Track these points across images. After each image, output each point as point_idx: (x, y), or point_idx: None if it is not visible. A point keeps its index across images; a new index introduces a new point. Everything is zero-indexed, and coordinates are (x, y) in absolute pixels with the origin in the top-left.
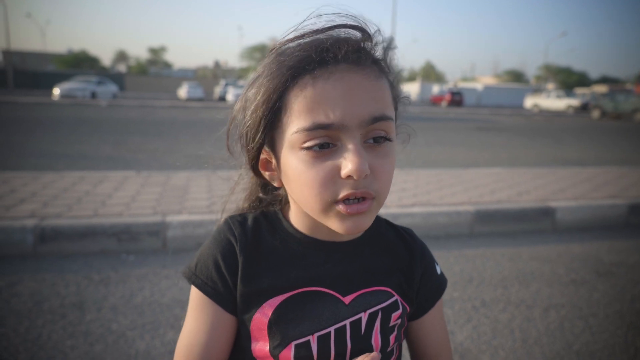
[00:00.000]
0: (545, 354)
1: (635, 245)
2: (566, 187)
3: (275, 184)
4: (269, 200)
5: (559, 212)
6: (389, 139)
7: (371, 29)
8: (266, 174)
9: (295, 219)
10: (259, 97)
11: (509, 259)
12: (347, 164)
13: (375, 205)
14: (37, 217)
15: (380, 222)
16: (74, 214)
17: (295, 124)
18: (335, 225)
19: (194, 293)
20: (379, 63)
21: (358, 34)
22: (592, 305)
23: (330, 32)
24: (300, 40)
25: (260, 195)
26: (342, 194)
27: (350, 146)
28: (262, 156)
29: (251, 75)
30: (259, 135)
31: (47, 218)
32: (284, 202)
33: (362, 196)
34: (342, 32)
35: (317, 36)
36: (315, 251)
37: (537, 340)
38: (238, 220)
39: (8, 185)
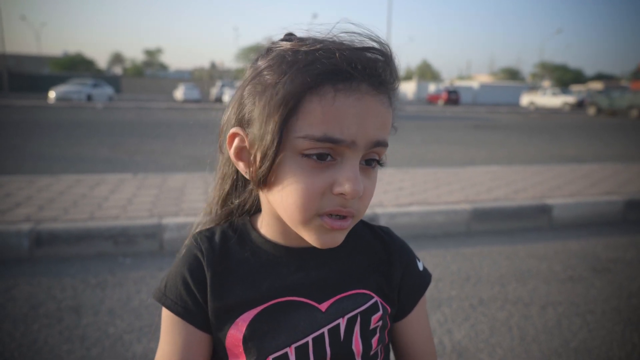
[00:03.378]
0: (543, 352)
1: (632, 242)
2: (563, 184)
3: (248, 177)
4: (237, 205)
5: (556, 209)
6: (380, 164)
7: (392, 57)
8: (240, 164)
9: (265, 226)
10: (276, 102)
11: (506, 257)
12: (344, 183)
13: (352, 223)
14: (32, 221)
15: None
16: (70, 218)
17: (303, 129)
18: (312, 237)
19: (165, 314)
20: (391, 93)
21: (381, 59)
22: (589, 302)
23: (359, 51)
24: (328, 52)
25: (232, 198)
26: (328, 208)
27: (350, 165)
28: (242, 144)
29: (249, 72)
30: (275, 143)
31: (43, 222)
32: (252, 210)
33: (345, 215)
34: (369, 54)
35: (348, 52)
36: (286, 259)
37: (534, 338)
38: (205, 235)
39: (3, 189)
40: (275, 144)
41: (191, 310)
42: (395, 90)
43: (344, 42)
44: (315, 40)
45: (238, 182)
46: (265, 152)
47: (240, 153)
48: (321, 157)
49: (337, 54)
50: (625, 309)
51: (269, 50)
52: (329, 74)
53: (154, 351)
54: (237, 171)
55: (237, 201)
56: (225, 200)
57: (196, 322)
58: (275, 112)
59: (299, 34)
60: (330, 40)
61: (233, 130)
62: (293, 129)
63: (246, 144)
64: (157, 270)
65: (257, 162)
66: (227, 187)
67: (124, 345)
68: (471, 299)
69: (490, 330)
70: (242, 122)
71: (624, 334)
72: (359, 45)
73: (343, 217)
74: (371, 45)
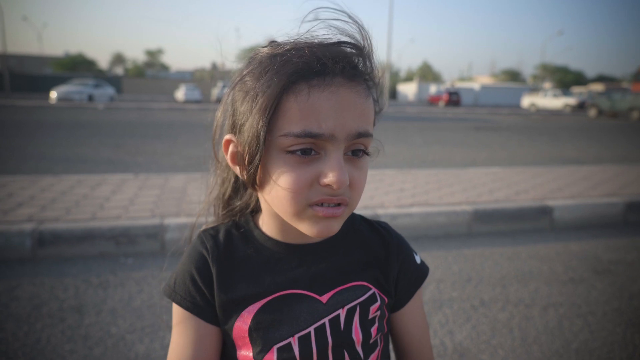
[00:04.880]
0: (544, 353)
1: (633, 243)
2: (564, 185)
3: (243, 179)
4: (240, 207)
5: (557, 210)
6: (367, 153)
7: (366, 46)
8: (236, 169)
9: (266, 225)
10: (257, 106)
11: (508, 258)
12: (329, 174)
13: (347, 211)
14: (35, 221)
15: (354, 218)
16: (72, 218)
17: (284, 127)
18: (306, 227)
19: (176, 310)
20: (368, 81)
21: (354, 51)
22: (590, 304)
23: (330, 46)
24: (300, 51)
25: (234, 201)
26: (317, 198)
27: (333, 157)
28: (236, 150)
29: (236, 76)
30: (260, 146)
31: (45, 222)
32: (255, 209)
33: (337, 202)
34: (341, 47)
35: (318, 48)
36: (288, 255)
37: (536, 339)
38: (210, 234)
39: (6, 189)
40: (259, 146)
41: (200, 305)
42: (373, 80)
43: (318, 39)
44: (290, 42)
45: (238, 186)
46: (252, 155)
47: (236, 158)
48: (305, 152)
49: (307, 51)
50: (627, 310)
51: (251, 58)
52: (301, 71)
53: (156, 351)
54: (237, 175)
55: (239, 203)
56: (227, 203)
57: (205, 316)
58: (258, 117)
59: (286, 39)
60: (304, 39)
61: (227, 137)
62: (276, 128)
63: (239, 148)
64: (158, 271)
65: (246, 164)
66: (227, 190)
67: (126, 344)
68: (472, 300)
69: (492, 331)
70: (234, 129)
71: (625, 335)
72: (331, 40)
73: (336, 205)
74: (343, 40)
